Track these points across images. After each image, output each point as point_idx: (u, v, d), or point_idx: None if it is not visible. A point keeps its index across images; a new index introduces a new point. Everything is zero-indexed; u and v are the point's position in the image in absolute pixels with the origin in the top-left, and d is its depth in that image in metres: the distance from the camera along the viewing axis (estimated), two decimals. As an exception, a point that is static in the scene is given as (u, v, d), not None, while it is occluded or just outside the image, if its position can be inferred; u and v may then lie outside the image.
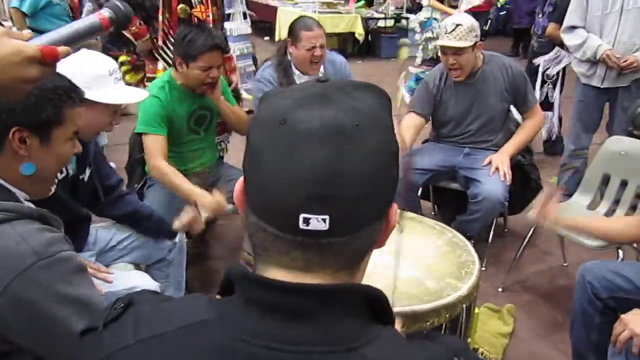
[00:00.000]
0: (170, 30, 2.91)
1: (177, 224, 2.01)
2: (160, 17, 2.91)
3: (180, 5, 2.87)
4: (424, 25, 5.41)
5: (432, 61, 4.94)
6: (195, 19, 2.89)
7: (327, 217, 0.59)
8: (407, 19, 9.96)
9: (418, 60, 5.69)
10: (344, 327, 0.62)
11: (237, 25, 4.58)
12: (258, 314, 0.62)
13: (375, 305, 0.65)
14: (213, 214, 2.14)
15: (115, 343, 0.66)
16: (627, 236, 1.96)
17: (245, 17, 4.32)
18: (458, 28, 2.64)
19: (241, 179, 0.67)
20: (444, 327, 1.62)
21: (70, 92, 1.26)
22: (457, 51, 2.67)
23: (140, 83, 3.13)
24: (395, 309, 1.51)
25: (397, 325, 1.07)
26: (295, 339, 0.60)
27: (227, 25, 4.48)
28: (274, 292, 0.62)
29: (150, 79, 3.09)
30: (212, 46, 2.30)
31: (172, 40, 2.91)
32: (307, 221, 0.59)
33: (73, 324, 1.02)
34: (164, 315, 0.66)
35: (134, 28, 2.99)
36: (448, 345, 0.69)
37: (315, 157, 0.59)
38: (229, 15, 4.52)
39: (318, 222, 0.59)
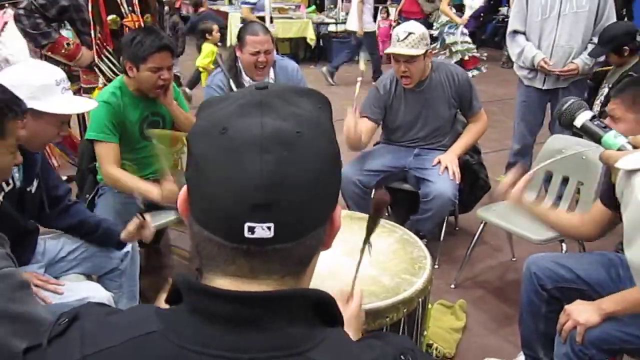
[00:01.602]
0: (105, 44, 2.84)
1: (124, 233, 1.97)
2: (93, 33, 2.83)
3: (111, 17, 2.81)
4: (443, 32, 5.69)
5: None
6: (127, 29, 2.82)
7: (271, 224, 0.59)
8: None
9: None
10: (291, 332, 0.62)
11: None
12: (205, 323, 0.61)
13: (322, 308, 0.66)
14: (167, 201, 2.16)
15: (61, 359, 0.64)
16: (579, 232, 2.01)
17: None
18: (410, 36, 2.66)
19: (184, 187, 0.66)
20: (402, 322, 1.65)
21: (12, 105, 1.24)
22: (409, 59, 2.69)
23: (76, 93, 3.05)
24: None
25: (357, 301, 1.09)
26: (243, 347, 0.60)
27: None
28: (218, 301, 0.61)
29: (87, 90, 3.01)
30: (160, 46, 2.29)
31: (108, 54, 2.86)
32: (252, 230, 0.59)
33: (13, 343, 0.98)
34: (111, 329, 0.65)
35: (64, 51, 2.89)
36: (396, 344, 0.70)
37: (257, 165, 0.58)
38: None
39: (263, 230, 0.59)
